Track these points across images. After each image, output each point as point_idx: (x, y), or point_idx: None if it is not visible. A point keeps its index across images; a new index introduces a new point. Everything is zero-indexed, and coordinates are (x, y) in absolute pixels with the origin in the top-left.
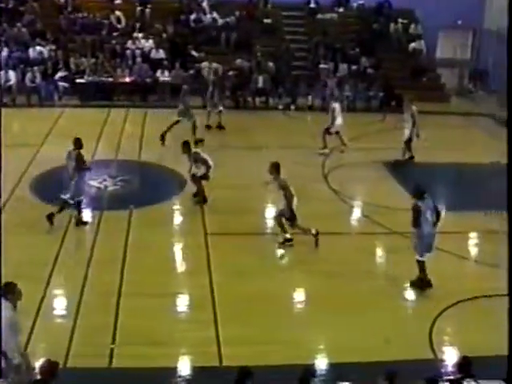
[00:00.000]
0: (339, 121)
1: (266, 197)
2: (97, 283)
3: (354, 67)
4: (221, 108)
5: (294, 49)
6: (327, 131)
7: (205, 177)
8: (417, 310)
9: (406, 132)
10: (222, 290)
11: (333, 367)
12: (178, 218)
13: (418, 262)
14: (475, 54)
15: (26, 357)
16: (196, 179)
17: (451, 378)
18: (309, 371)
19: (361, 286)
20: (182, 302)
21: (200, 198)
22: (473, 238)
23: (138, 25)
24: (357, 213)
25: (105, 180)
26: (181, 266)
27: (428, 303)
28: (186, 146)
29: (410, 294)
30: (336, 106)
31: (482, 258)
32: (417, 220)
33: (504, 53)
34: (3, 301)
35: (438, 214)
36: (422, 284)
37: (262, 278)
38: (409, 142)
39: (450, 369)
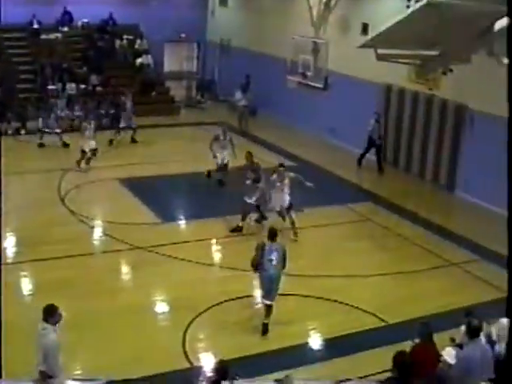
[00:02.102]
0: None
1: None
2: None
3: (82, 86)
4: None
5: (21, 71)
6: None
7: None
8: (168, 321)
9: (227, 157)
10: None
11: None
12: None
13: None
14: (201, 65)
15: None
16: None
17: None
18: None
19: (107, 304)
20: None
21: None
22: (212, 244)
23: None
24: (98, 232)
25: None
26: None
27: (178, 314)
28: None
29: (159, 307)
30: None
31: (223, 262)
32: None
33: (228, 63)
34: (46, 324)
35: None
36: None
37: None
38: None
39: (207, 374)
